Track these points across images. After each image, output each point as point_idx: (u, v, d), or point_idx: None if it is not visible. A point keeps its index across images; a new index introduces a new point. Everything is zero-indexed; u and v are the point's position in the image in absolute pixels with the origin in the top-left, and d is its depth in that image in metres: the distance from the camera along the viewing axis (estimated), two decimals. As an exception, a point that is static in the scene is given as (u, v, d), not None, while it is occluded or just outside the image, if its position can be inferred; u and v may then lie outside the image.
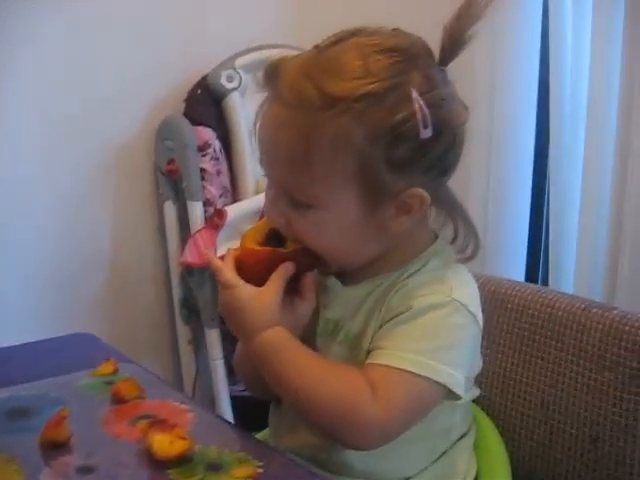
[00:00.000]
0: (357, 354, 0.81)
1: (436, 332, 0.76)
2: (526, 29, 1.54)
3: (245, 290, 0.78)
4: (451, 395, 0.77)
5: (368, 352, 0.79)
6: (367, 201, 0.75)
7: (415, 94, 0.72)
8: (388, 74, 0.72)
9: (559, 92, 1.50)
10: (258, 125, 0.78)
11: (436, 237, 0.84)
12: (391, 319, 0.78)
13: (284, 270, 0.79)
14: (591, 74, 1.43)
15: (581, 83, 1.45)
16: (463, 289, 0.79)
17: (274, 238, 0.82)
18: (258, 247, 0.82)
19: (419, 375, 0.74)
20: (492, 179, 1.60)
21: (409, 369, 0.74)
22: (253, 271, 0.80)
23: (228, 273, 0.79)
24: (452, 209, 0.83)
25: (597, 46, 1.41)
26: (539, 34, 1.55)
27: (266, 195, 0.82)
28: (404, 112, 0.72)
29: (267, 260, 0.80)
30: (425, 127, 0.72)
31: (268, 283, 0.78)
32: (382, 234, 0.79)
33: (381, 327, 0.79)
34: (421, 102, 0.72)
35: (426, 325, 0.76)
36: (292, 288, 0.80)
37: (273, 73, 0.76)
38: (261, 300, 0.78)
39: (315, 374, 0.76)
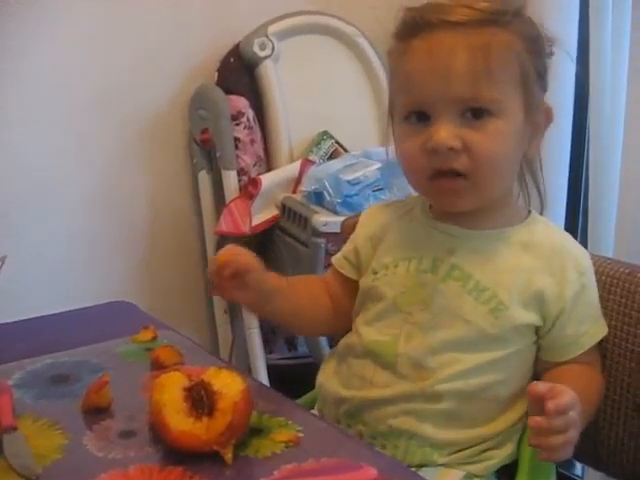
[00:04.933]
0: (491, 307, 0.84)
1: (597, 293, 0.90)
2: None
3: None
4: None
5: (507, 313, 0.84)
6: (525, 109, 0.85)
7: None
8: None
9: (600, 44, 1.45)
10: (413, 64, 0.85)
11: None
12: (573, 299, 0.85)
13: None
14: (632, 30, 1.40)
15: (623, 37, 1.41)
16: None
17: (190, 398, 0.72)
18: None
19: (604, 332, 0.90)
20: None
21: (604, 334, 0.89)
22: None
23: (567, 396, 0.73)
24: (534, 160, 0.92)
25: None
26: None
27: (409, 144, 0.85)
28: (537, 29, 0.87)
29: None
30: (548, 43, 0.87)
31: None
32: (520, 158, 0.88)
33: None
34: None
35: (595, 293, 0.89)
36: None
37: (429, 9, 0.85)
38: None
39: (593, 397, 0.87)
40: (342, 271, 0.96)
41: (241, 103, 1.80)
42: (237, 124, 1.79)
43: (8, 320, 1.00)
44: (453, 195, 0.85)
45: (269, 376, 1.82)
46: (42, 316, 1.03)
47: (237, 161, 1.79)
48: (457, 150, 0.82)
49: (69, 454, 0.71)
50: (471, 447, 0.84)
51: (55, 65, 1.74)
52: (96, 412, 0.77)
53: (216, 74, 1.85)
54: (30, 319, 1.01)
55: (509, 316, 0.83)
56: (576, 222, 1.67)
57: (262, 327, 1.83)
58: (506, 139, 0.84)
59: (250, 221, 1.72)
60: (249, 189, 1.76)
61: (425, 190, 0.89)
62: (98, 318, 1.05)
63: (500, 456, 0.86)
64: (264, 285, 0.87)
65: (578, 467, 1.61)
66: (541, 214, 0.93)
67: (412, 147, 0.84)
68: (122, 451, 0.71)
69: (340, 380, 0.91)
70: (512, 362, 0.85)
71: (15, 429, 0.73)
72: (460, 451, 0.84)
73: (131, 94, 1.83)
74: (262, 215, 1.75)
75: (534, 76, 0.85)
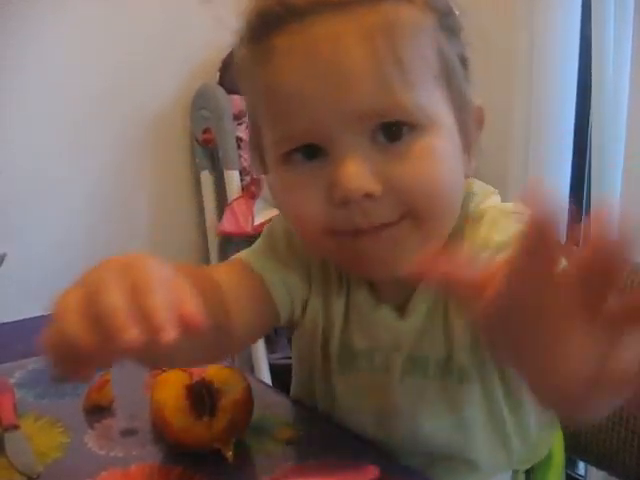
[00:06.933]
0: (457, 377, 0.68)
1: None
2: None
3: None
4: None
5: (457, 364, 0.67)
6: (454, 113, 0.60)
7: None
8: None
9: (603, 32, 1.45)
10: (281, 76, 0.57)
11: None
12: None
13: None
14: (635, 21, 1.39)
15: (626, 28, 1.41)
16: None
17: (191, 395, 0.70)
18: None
19: None
20: (533, 125, 1.56)
21: None
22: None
23: None
24: None
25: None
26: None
27: (300, 196, 0.59)
28: (449, 3, 0.60)
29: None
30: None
31: None
32: (462, 177, 0.63)
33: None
34: None
35: None
36: None
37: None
38: None
39: None
40: (274, 297, 0.70)
41: (243, 102, 1.80)
42: (239, 124, 1.79)
43: (8, 320, 1.00)
44: (382, 258, 0.59)
45: (272, 376, 1.82)
46: (43, 316, 1.03)
47: (239, 161, 1.80)
48: (377, 196, 0.56)
49: (70, 452, 0.71)
50: None
51: (55, 65, 1.74)
52: (97, 411, 0.77)
53: (218, 74, 1.86)
54: (31, 319, 1.01)
55: (471, 372, 0.68)
56: (580, 212, 1.67)
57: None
58: (443, 158, 0.58)
59: (253, 220, 1.73)
60: (251, 189, 1.76)
61: (336, 258, 0.63)
62: (100, 317, 1.05)
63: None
64: None
65: (581, 466, 1.61)
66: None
67: (306, 200, 0.58)
68: (123, 450, 0.71)
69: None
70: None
71: (17, 427, 0.73)
72: None
73: (133, 94, 1.84)
74: (265, 214, 1.75)
75: (458, 64, 0.60)
